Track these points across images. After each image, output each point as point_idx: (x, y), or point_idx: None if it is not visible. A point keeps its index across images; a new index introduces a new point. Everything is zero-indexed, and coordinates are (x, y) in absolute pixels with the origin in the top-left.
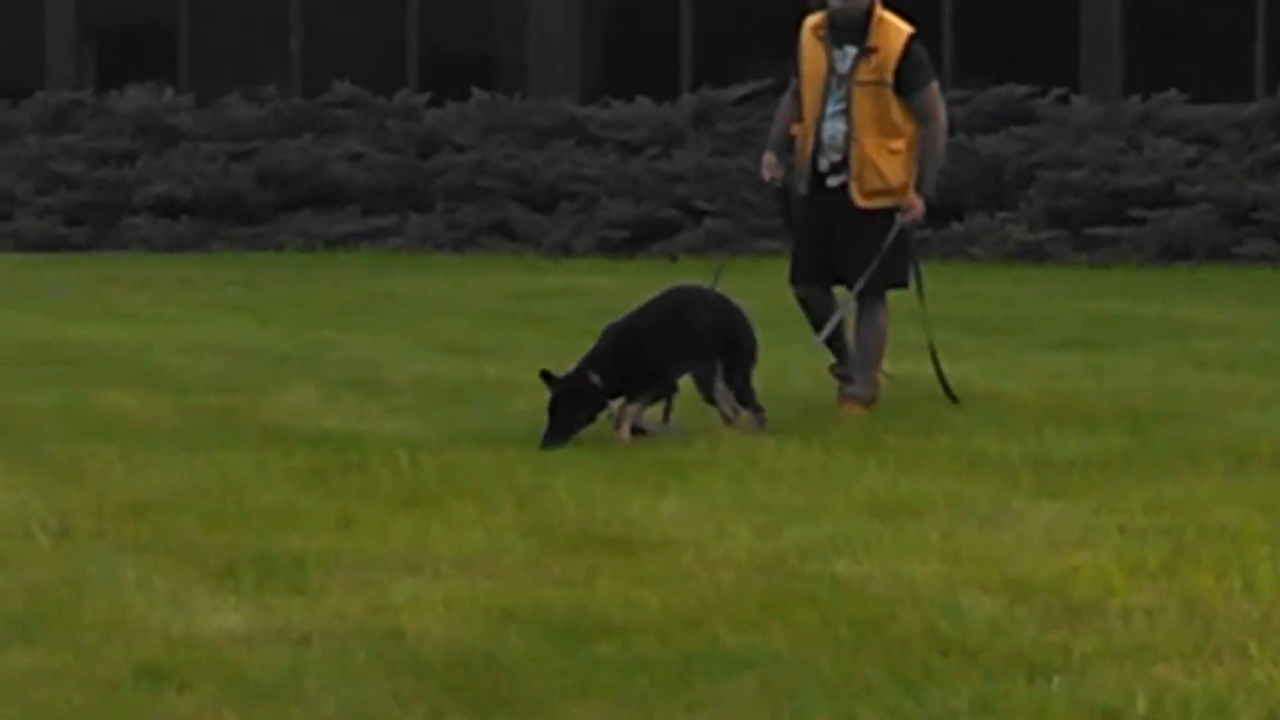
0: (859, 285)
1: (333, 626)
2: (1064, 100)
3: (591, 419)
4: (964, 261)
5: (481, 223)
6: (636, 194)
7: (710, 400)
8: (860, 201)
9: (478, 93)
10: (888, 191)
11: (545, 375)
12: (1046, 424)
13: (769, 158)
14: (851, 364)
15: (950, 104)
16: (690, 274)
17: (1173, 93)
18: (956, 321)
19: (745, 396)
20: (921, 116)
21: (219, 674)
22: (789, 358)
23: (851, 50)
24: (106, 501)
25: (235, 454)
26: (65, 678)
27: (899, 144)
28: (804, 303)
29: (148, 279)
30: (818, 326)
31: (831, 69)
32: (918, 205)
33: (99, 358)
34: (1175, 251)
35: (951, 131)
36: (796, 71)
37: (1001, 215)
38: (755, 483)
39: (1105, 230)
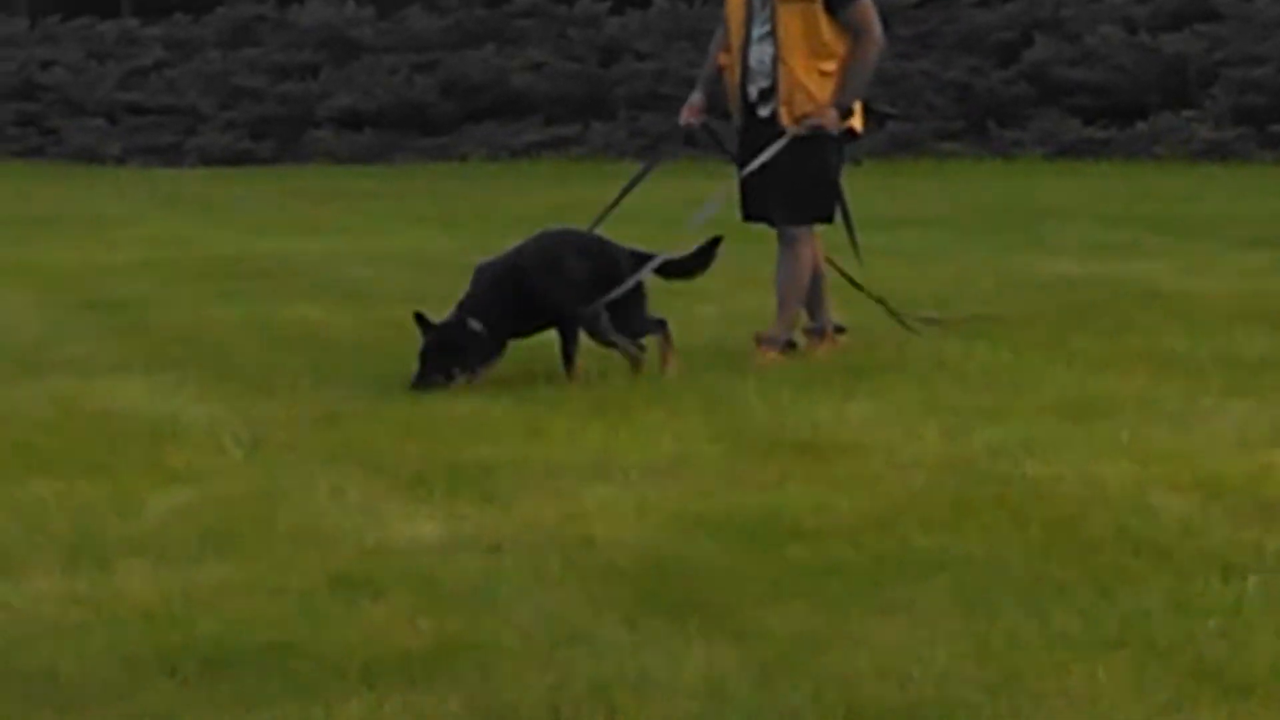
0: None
1: (524, 535)
2: None
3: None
4: (1148, 161)
5: (664, 130)
6: None
7: (609, 345)
8: (789, 126)
9: (659, 0)
10: (818, 113)
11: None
12: (1236, 323)
13: (693, 99)
14: (822, 318)
15: (1132, 3)
16: (871, 177)
17: None
18: (1143, 220)
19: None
20: (854, 31)
21: (412, 583)
22: (972, 263)
23: None
24: (297, 413)
25: None
26: (260, 589)
27: (830, 65)
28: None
29: (332, 191)
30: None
31: None
32: (831, 118)
33: (286, 270)
34: None
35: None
36: None
37: (1186, 114)
38: (943, 385)
39: None
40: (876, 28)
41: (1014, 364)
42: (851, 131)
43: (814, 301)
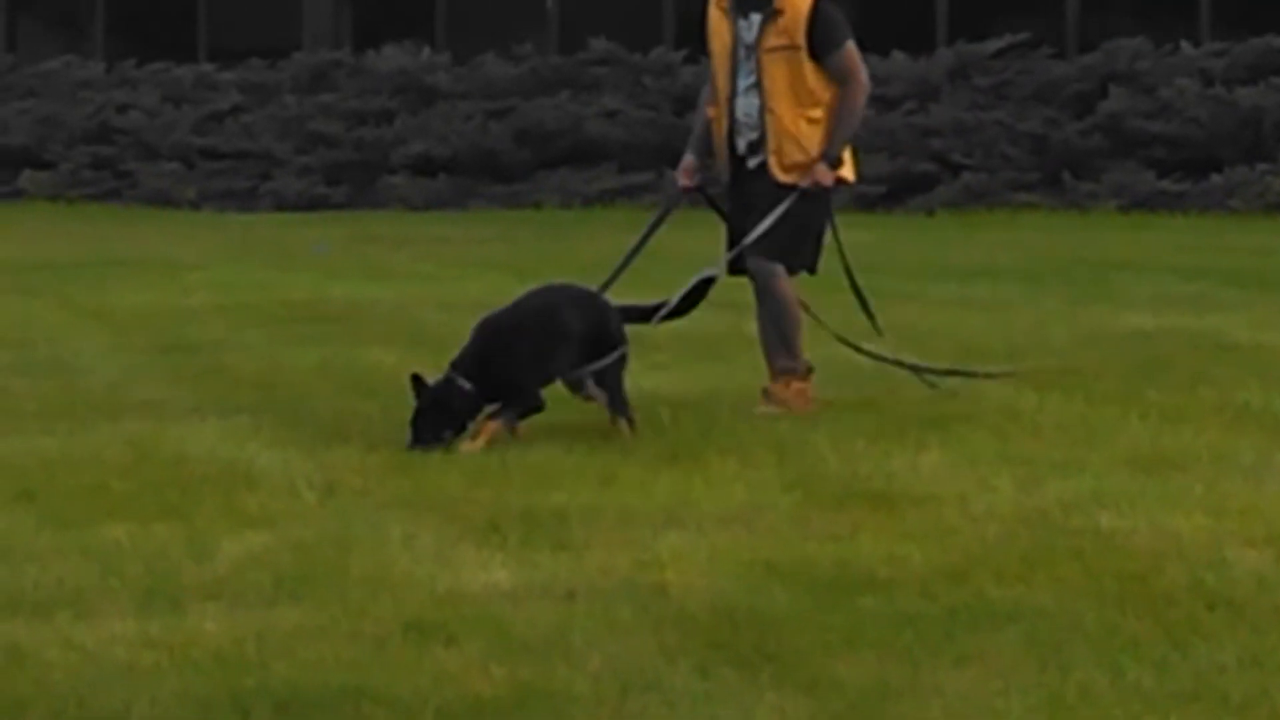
0: (733, 253)
1: (597, 582)
2: None
3: (462, 429)
4: (1223, 213)
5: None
6: (893, 149)
7: (588, 399)
8: (780, 176)
9: None
10: (810, 164)
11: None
12: None
13: (687, 161)
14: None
15: (1208, 56)
16: (945, 228)
17: None
18: (1217, 274)
19: (617, 403)
20: (839, 78)
21: (485, 629)
22: (1046, 314)
23: (756, 17)
24: (371, 459)
25: None
26: (333, 634)
27: (817, 113)
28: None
29: (406, 237)
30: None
31: (738, 41)
32: (823, 174)
33: (360, 315)
34: None
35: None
36: (707, 51)
37: (1261, 167)
38: (1017, 436)
39: None
40: (862, 72)
41: (1088, 416)
42: (841, 179)
43: (777, 343)
